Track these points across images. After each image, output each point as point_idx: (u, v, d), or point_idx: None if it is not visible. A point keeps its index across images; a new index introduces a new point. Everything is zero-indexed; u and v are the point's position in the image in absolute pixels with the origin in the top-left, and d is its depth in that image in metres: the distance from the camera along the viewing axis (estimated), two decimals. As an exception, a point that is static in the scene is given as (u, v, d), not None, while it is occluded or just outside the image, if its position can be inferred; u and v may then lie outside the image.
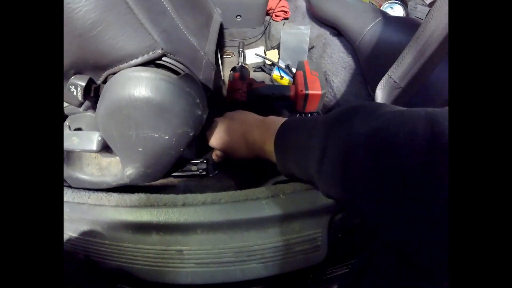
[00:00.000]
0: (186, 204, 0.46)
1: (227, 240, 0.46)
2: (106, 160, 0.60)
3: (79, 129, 0.51)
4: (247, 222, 0.46)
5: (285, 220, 0.46)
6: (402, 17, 1.00)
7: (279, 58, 1.03)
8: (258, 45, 1.12)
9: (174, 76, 0.41)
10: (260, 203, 0.46)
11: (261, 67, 1.01)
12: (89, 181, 0.57)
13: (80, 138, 0.47)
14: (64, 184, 0.59)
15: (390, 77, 0.57)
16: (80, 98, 0.42)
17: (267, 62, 1.02)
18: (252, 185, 0.54)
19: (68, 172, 0.57)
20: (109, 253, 0.49)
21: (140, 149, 0.45)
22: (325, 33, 1.00)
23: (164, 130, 0.42)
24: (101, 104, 0.42)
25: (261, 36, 1.16)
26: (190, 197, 0.47)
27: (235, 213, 0.45)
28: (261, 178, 0.61)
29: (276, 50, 1.07)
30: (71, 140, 0.47)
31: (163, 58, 0.41)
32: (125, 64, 0.39)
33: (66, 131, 0.49)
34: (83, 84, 0.41)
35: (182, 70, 0.43)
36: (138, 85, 0.38)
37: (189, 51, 0.49)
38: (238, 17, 1.14)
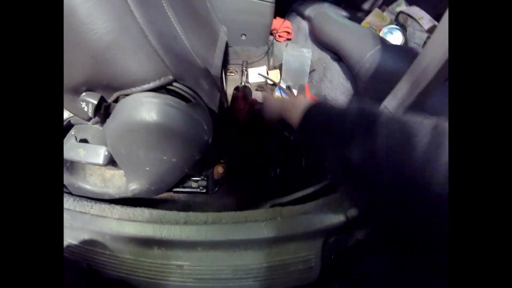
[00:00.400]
0: (188, 222, 0.49)
1: (226, 258, 0.48)
2: (110, 172, 0.62)
3: (85, 140, 0.54)
4: (245, 242, 0.48)
5: (281, 241, 0.48)
6: (400, 46, 1.04)
7: (280, 79, 1.07)
8: (261, 64, 1.15)
9: (184, 103, 0.43)
10: (259, 225, 0.48)
11: (263, 87, 1.04)
12: (91, 191, 0.60)
13: (87, 150, 0.49)
14: (65, 191, 0.61)
15: (386, 107, 0.60)
16: (90, 114, 0.44)
17: (269, 82, 1.06)
18: (250, 205, 0.57)
19: (71, 180, 0.59)
20: (109, 264, 0.51)
21: (147, 168, 0.47)
22: (326, 57, 1.04)
23: (172, 153, 0.45)
24: (112, 123, 0.44)
25: (264, 56, 1.19)
26: (192, 215, 0.50)
27: (235, 233, 0.48)
28: (259, 198, 0.64)
29: (278, 70, 1.10)
30: (78, 152, 0.49)
31: (173, 84, 0.44)
32: (138, 88, 0.42)
33: (72, 141, 0.51)
34: (95, 102, 0.43)
35: (191, 95, 0.46)
36: (150, 111, 0.41)
37: (197, 74, 0.51)
38: (243, 35, 1.17)
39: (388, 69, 0.77)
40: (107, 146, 0.48)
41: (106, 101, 0.46)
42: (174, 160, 0.45)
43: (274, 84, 1.03)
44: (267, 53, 1.19)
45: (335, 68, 0.98)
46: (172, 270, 0.48)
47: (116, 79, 0.41)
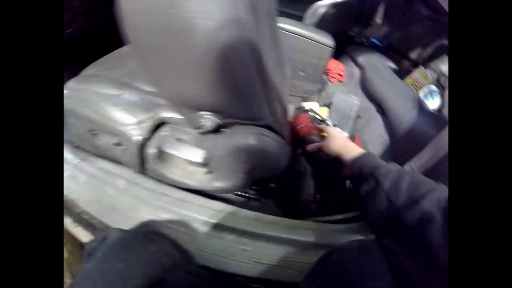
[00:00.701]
0: (259, 220, 0.69)
1: (278, 250, 0.66)
2: (193, 168, 0.80)
3: (179, 139, 0.71)
4: (293, 241, 0.67)
5: (317, 247, 0.68)
6: (435, 114, 1.19)
7: (328, 116, 1.26)
8: (312, 100, 1.36)
9: (279, 139, 0.64)
10: (305, 231, 0.68)
11: (312, 121, 1.24)
12: (171, 179, 0.76)
13: (188, 148, 0.67)
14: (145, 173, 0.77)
15: (411, 166, 0.79)
16: (205, 129, 0.61)
17: (318, 117, 1.25)
18: (295, 217, 0.77)
19: (156, 166, 0.74)
20: (182, 239, 0.67)
21: (240, 175, 0.68)
22: (372, 108, 1.22)
23: (265, 169, 0.66)
24: (224, 140, 0.64)
25: (317, 92, 1.39)
26: (261, 215, 0.70)
27: (287, 233, 0.67)
28: (303, 213, 0.84)
29: (327, 109, 1.30)
30: (179, 147, 0.68)
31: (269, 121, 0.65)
32: (249, 122, 0.62)
33: (170, 138, 0.69)
34: (215, 123, 0.60)
35: (279, 130, 0.67)
36: (258, 140, 0.61)
37: (282, 113, 0.72)
38: (301, 72, 1.38)
39: (419, 133, 0.96)
40: (205, 150, 0.67)
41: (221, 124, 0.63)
42: (264, 174, 0.67)
43: (323, 121, 1.22)
44: (319, 90, 1.39)
45: (378, 120, 1.17)
46: (238, 252, 0.67)
47: (239, 114, 0.60)
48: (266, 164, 0.66)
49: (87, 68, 0.91)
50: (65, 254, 1.27)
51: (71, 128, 0.84)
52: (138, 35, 0.49)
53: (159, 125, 0.71)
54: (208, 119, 0.60)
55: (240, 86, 0.54)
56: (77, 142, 0.93)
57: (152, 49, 0.51)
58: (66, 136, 0.98)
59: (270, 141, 0.63)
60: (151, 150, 0.69)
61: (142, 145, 0.67)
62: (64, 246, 1.29)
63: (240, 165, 0.66)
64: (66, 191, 0.83)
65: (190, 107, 0.61)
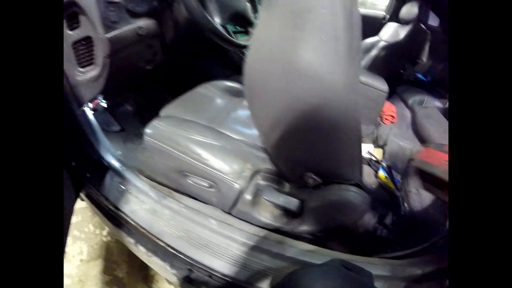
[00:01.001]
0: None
1: None
2: (279, 212, 0.88)
3: (277, 189, 0.83)
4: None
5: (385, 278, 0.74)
6: None
7: (383, 158, 1.33)
8: (367, 141, 1.43)
9: (363, 193, 0.73)
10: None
11: (368, 162, 1.31)
12: (258, 219, 0.86)
13: (286, 199, 0.79)
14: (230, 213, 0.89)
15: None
16: (309, 186, 0.74)
17: (373, 158, 1.33)
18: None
19: (246, 208, 0.85)
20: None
21: (326, 223, 0.76)
22: (422, 150, 1.29)
23: (350, 219, 0.75)
24: (320, 195, 0.75)
25: (371, 134, 1.47)
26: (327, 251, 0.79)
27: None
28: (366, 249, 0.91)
29: (381, 150, 1.37)
30: (278, 196, 0.79)
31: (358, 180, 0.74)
32: (344, 182, 0.73)
33: (268, 187, 0.81)
34: (315, 183, 0.73)
35: (363, 185, 0.76)
36: (350, 196, 0.71)
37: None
38: (357, 113, 1.45)
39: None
40: (299, 201, 0.78)
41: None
42: (345, 220, 0.76)
43: (378, 162, 1.30)
44: (373, 132, 1.47)
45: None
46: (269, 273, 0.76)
47: (340, 176, 0.72)
48: (352, 215, 0.74)
49: (168, 107, 1.02)
50: (120, 274, 1.39)
51: (158, 166, 0.95)
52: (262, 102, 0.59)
53: (253, 174, 0.80)
54: (312, 178, 0.72)
55: (350, 154, 0.66)
56: (160, 178, 1.05)
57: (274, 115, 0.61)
58: (148, 173, 1.10)
59: (358, 197, 0.72)
60: (247, 196, 0.78)
61: (241, 192, 0.77)
62: (120, 267, 1.41)
63: (329, 215, 0.75)
64: (146, 224, 0.93)
65: (299, 167, 0.70)
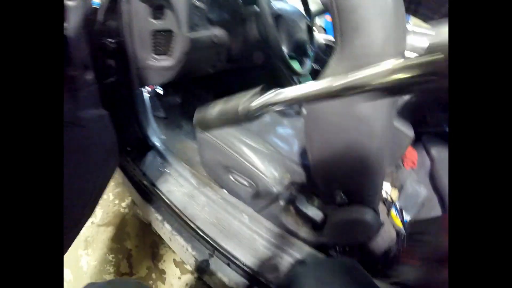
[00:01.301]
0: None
1: None
2: (302, 221, 1.00)
3: (307, 200, 0.95)
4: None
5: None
6: None
7: (398, 198, 1.43)
8: (385, 180, 1.52)
9: (378, 217, 0.85)
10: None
11: (383, 200, 1.41)
12: (283, 224, 0.99)
13: (314, 211, 0.92)
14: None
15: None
16: (336, 203, 0.85)
17: (389, 198, 1.42)
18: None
19: (278, 212, 0.98)
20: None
21: (342, 236, 0.87)
22: (435, 200, 1.38)
23: (363, 237, 0.87)
24: (343, 213, 0.86)
25: (391, 174, 1.56)
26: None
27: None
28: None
29: (397, 191, 1.47)
30: (307, 207, 0.92)
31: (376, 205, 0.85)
32: (365, 204, 0.83)
33: (300, 197, 0.92)
34: (342, 201, 0.84)
35: (378, 210, 0.86)
36: (368, 218, 0.82)
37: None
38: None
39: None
40: (323, 214, 0.89)
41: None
42: (359, 237, 0.87)
43: (392, 202, 1.39)
44: (392, 172, 1.56)
45: (438, 213, 1.32)
46: None
47: (361, 198, 0.83)
48: (365, 233, 0.86)
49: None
50: (129, 246, 1.46)
51: (205, 158, 1.07)
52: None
53: (290, 183, 0.92)
54: (340, 196, 0.82)
55: (376, 183, 0.79)
56: (198, 168, 1.16)
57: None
58: (191, 162, 1.22)
59: (373, 219, 0.84)
60: (281, 202, 0.90)
61: (277, 196, 0.89)
62: (131, 239, 1.48)
63: (346, 231, 0.86)
64: (181, 205, 1.05)
65: (334, 183, 0.82)
